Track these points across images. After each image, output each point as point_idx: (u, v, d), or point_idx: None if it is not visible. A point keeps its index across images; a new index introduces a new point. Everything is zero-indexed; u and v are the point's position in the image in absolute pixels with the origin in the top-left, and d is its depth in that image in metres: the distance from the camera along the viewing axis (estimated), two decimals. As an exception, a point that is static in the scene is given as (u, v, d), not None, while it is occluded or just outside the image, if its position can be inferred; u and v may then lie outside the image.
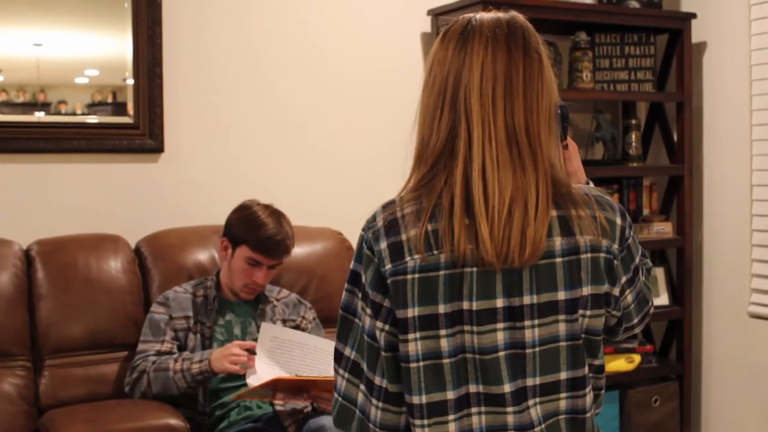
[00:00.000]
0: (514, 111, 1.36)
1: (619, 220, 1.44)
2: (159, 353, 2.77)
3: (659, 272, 3.95)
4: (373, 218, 1.41)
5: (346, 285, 1.44)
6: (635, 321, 1.55)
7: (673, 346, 3.98)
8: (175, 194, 3.32)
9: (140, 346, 2.81)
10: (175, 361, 2.71)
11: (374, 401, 1.39)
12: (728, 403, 3.83)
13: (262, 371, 2.59)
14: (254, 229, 2.81)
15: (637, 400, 3.76)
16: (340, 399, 1.43)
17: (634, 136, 3.91)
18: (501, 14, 1.44)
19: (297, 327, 2.97)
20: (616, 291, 1.44)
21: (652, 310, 1.60)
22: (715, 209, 3.88)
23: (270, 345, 2.66)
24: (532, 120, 1.37)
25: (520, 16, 1.45)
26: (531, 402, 1.37)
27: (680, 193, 3.89)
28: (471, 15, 1.45)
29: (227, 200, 2.97)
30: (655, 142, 4.07)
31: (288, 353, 2.66)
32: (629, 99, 3.97)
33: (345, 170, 3.59)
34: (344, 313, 1.44)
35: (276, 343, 2.66)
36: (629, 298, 1.50)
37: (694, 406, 3.96)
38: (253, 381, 2.58)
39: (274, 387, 2.57)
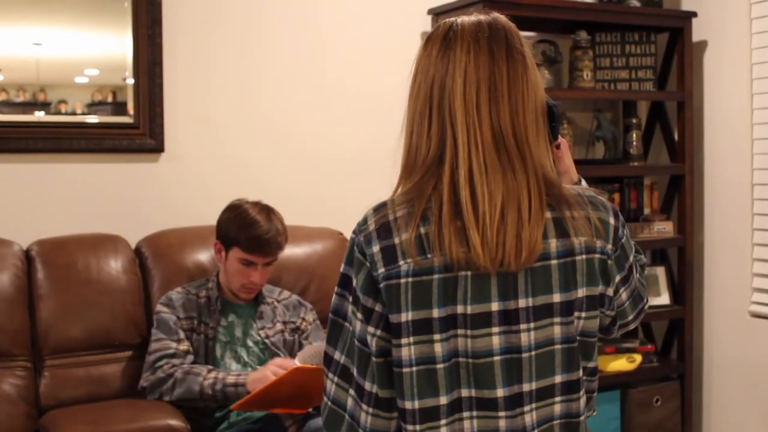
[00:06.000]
0: (499, 114, 1.35)
1: (612, 220, 1.43)
2: (177, 352, 2.75)
3: (660, 272, 3.95)
4: (365, 221, 1.38)
5: (336, 288, 1.42)
6: (630, 318, 1.56)
7: (675, 346, 3.98)
8: (175, 194, 3.32)
9: (154, 345, 2.78)
10: (209, 370, 2.69)
11: (364, 406, 1.37)
12: (730, 403, 3.83)
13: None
14: (244, 230, 2.80)
15: (639, 400, 3.76)
16: (329, 403, 1.42)
17: (634, 135, 3.91)
18: (482, 17, 1.42)
19: (297, 329, 2.96)
20: (611, 291, 1.44)
21: (647, 307, 1.61)
22: (716, 208, 3.87)
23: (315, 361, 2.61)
24: (519, 122, 1.36)
25: (502, 17, 1.44)
26: (527, 408, 1.35)
27: (681, 193, 3.88)
28: (453, 19, 1.43)
29: (227, 200, 2.96)
30: (655, 141, 4.06)
31: None
32: (630, 98, 3.96)
33: (345, 170, 3.59)
34: (334, 317, 1.43)
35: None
36: (624, 296, 1.50)
37: (696, 405, 3.96)
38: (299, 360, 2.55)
39: (277, 391, 2.56)
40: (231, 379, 2.65)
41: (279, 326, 2.92)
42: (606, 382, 3.65)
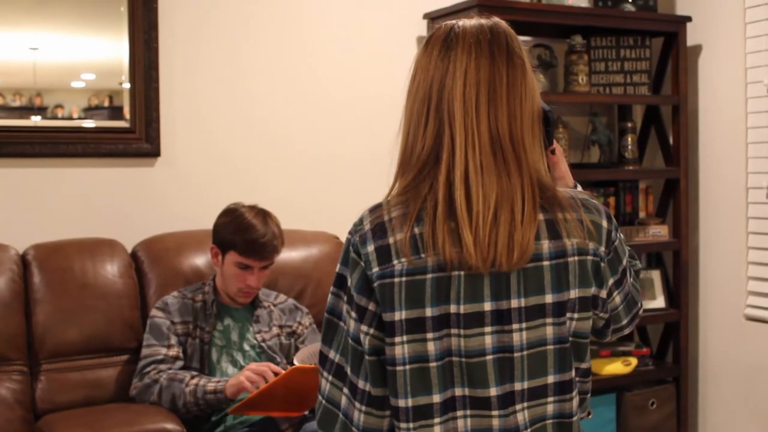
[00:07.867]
0: (497, 117, 1.37)
1: (605, 223, 1.45)
2: (166, 357, 2.76)
3: (655, 275, 3.96)
4: (360, 222, 1.40)
5: (331, 288, 1.44)
6: (624, 322, 1.57)
7: (670, 349, 3.98)
8: (171, 198, 3.32)
9: (145, 351, 2.79)
10: (192, 376, 2.69)
11: (357, 405, 1.39)
12: (725, 406, 3.84)
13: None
14: (240, 233, 2.80)
15: (634, 403, 3.77)
16: (323, 402, 1.44)
17: (630, 139, 3.92)
18: (483, 20, 1.44)
19: (293, 333, 2.97)
20: (604, 293, 1.45)
21: (641, 311, 1.62)
22: (711, 212, 3.89)
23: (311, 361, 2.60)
24: (516, 125, 1.38)
25: (502, 23, 1.46)
26: (519, 406, 1.37)
27: (676, 196, 3.89)
28: (453, 22, 1.45)
29: (223, 204, 2.96)
30: (650, 145, 4.07)
31: None
32: (625, 102, 3.97)
33: (341, 174, 3.59)
34: (329, 317, 1.45)
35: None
36: (617, 299, 1.52)
37: (691, 408, 3.97)
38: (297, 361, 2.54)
39: (273, 394, 2.56)
40: (210, 386, 2.64)
41: (275, 330, 2.93)
42: (601, 386, 3.66)
